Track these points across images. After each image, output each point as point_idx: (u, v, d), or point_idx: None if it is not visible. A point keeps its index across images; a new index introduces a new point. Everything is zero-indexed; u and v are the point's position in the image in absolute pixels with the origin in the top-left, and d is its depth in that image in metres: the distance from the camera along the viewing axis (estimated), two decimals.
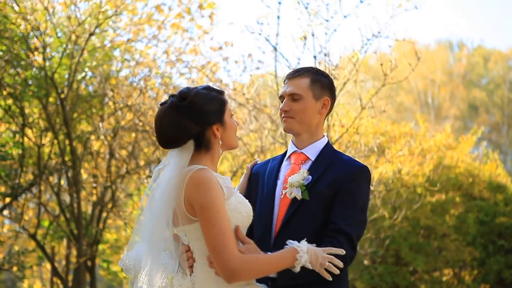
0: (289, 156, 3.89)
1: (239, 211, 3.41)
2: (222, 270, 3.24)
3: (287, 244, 3.41)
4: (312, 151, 3.83)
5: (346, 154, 3.98)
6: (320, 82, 3.84)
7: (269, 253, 3.40)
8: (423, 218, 12.88)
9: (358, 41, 10.60)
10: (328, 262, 3.41)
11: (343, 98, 10.62)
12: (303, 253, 3.35)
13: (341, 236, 3.55)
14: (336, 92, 4.02)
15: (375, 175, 10.89)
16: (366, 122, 10.17)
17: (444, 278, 13.46)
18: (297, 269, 3.37)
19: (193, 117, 3.37)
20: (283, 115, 3.85)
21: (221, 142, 3.45)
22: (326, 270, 3.42)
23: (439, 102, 38.27)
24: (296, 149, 3.87)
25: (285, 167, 3.87)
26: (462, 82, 38.63)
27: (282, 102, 3.87)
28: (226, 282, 3.27)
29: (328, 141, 3.92)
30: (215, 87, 3.59)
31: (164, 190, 3.36)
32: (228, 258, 3.21)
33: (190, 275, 3.39)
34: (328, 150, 3.85)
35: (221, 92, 3.53)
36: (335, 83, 9.38)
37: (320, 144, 3.85)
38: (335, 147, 9.39)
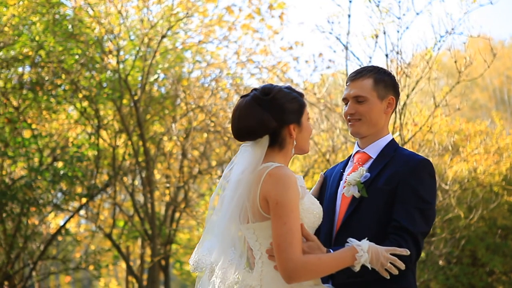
0: (353, 156, 3.86)
1: (311, 211, 3.41)
2: (282, 270, 3.23)
3: (348, 242, 3.37)
4: (374, 149, 3.77)
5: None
6: (383, 82, 3.77)
7: (331, 250, 3.38)
8: (500, 218, 12.56)
9: (431, 38, 10.43)
10: (390, 263, 3.35)
11: (416, 96, 10.44)
12: (363, 252, 3.30)
13: (406, 235, 3.48)
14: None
15: (449, 174, 10.68)
16: (440, 120, 9.98)
17: None
18: (357, 268, 3.32)
19: (273, 113, 3.38)
20: (348, 118, 3.79)
21: (295, 143, 3.43)
22: (386, 269, 3.36)
23: None
24: (359, 148, 3.82)
25: (348, 168, 3.82)
26: None
27: (346, 104, 3.81)
28: (286, 283, 3.25)
29: (393, 138, 3.84)
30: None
31: (236, 188, 3.37)
32: (290, 258, 3.20)
33: (253, 272, 3.38)
34: (390, 147, 3.77)
35: (301, 94, 3.52)
36: (408, 81, 9.26)
37: (383, 141, 3.78)
38: (408, 145, 9.25)
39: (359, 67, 4.01)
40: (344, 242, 3.41)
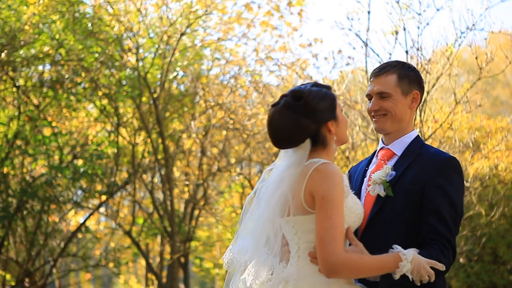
0: (377, 153, 3.82)
1: (354, 211, 3.42)
2: (324, 263, 3.23)
3: (393, 249, 3.33)
4: (399, 146, 3.73)
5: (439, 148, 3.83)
6: (407, 77, 3.73)
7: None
8: None
9: (451, 34, 10.34)
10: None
11: (436, 93, 10.36)
12: (407, 262, 3.27)
13: (446, 243, 3.46)
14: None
15: (470, 171, 10.60)
16: (461, 117, 9.90)
17: None
18: (397, 276, 3.29)
19: (309, 116, 3.37)
20: (373, 114, 3.76)
21: (335, 138, 3.44)
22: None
23: None
24: (384, 145, 3.79)
25: (372, 165, 3.79)
26: None
27: (369, 100, 3.77)
28: (325, 277, 3.26)
29: (418, 135, 3.79)
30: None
31: (278, 186, 3.38)
32: (332, 251, 3.20)
33: (288, 266, 3.38)
34: (416, 144, 3.72)
35: (329, 88, 3.52)
36: (428, 77, 9.19)
37: (408, 138, 3.74)
38: (428, 142, 9.19)
39: (378, 64, 3.99)
40: (369, 241, 3.41)
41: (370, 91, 3.77)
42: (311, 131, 3.38)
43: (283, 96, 3.45)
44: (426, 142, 3.84)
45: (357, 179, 3.80)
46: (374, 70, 3.82)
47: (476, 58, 8.79)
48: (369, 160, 3.86)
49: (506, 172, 11.62)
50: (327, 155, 3.43)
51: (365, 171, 3.79)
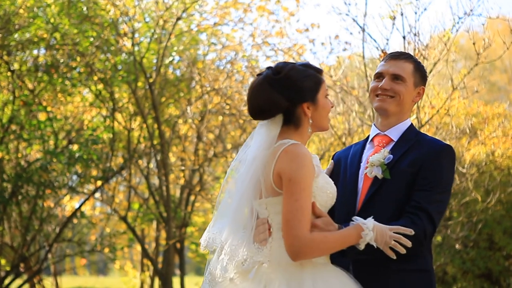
0: (372, 139, 3.87)
1: (325, 190, 3.42)
2: (289, 247, 3.25)
3: (353, 221, 3.39)
4: (396, 132, 3.81)
5: (436, 136, 3.92)
6: (420, 72, 3.85)
7: (343, 227, 3.40)
8: None
9: (449, 20, 10.31)
10: (395, 241, 3.37)
11: (434, 79, 10.33)
12: (369, 231, 3.33)
13: (421, 213, 3.53)
14: (427, 73, 3.97)
15: (467, 157, 10.59)
16: (458, 103, 9.87)
17: None
18: (362, 246, 3.36)
19: (284, 92, 3.37)
20: (379, 93, 3.79)
21: (311, 121, 3.43)
22: (392, 249, 3.39)
23: None
24: (379, 131, 3.85)
25: (368, 150, 3.85)
26: None
27: (377, 79, 3.81)
28: (292, 259, 3.28)
29: (412, 123, 3.89)
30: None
31: (250, 165, 3.39)
32: (297, 235, 3.22)
33: (263, 249, 3.38)
34: (411, 131, 3.81)
35: (319, 71, 3.51)
36: (425, 63, 9.15)
37: (403, 126, 3.82)
38: (425, 128, 9.17)
39: (376, 49, 4.08)
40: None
41: (383, 70, 3.82)
42: (282, 108, 3.38)
43: (267, 68, 3.47)
44: (423, 128, 3.92)
45: (352, 162, 3.83)
46: (391, 53, 3.91)
47: (474, 43, 8.75)
48: (362, 145, 3.90)
49: (502, 158, 11.61)
50: (300, 137, 3.42)
51: (360, 156, 3.83)
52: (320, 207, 3.41)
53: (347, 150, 3.96)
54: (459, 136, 10.47)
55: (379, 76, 3.83)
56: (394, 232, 3.39)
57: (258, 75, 3.48)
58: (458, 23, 8.76)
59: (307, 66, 3.49)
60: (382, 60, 3.89)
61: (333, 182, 3.51)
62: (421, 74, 3.85)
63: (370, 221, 3.36)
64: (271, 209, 3.37)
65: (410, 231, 3.41)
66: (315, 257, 3.34)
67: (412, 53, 8.76)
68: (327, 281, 3.32)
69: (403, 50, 3.97)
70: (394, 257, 3.39)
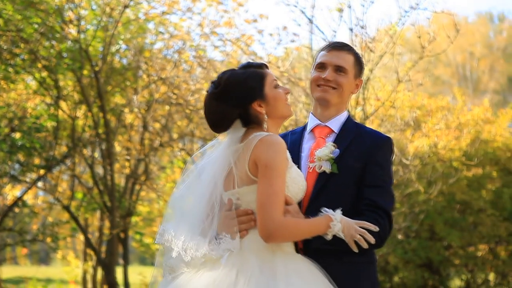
0: (312, 130, 3.88)
1: (297, 182, 3.50)
2: (263, 228, 3.32)
3: (321, 212, 3.46)
4: (336, 123, 3.84)
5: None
6: (360, 64, 3.90)
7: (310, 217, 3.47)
8: (459, 193, 12.72)
9: (395, 13, 10.43)
10: (360, 235, 3.46)
11: (379, 72, 10.46)
12: (337, 222, 3.42)
13: (380, 211, 3.61)
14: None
15: (410, 149, 10.76)
16: (403, 95, 10.02)
17: (479, 254, 13.32)
18: (329, 237, 3.44)
19: (229, 101, 3.45)
20: (321, 83, 3.80)
21: (266, 117, 3.48)
22: (356, 243, 3.48)
23: (478, 75, 37.70)
24: (319, 122, 3.86)
25: (308, 140, 3.86)
26: (503, 55, 37.92)
27: (319, 70, 3.82)
28: (264, 241, 3.35)
29: (350, 114, 3.95)
30: (255, 61, 3.60)
31: (215, 162, 3.48)
32: (272, 218, 3.30)
33: (240, 238, 3.43)
34: (350, 123, 3.86)
35: (260, 66, 3.55)
36: (372, 56, 9.24)
37: (342, 117, 3.86)
38: (370, 120, 9.27)
39: (323, 41, 4.11)
40: (314, 216, 3.48)
41: (327, 61, 3.83)
42: (235, 116, 3.47)
43: (211, 83, 3.54)
44: (368, 120, 3.97)
45: (291, 153, 3.82)
46: (332, 43, 3.94)
47: (419, 37, 8.87)
48: (300, 135, 3.91)
49: (445, 150, 11.84)
50: (267, 131, 3.47)
51: (299, 146, 3.84)
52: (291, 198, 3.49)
53: (284, 138, 3.84)
54: (403, 128, 10.63)
55: (321, 66, 3.84)
56: (360, 227, 3.48)
57: (207, 91, 3.56)
58: (404, 16, 8.88)
59: (246, 66, 3.54)
60: (323, 50, 3.88)
61: (304, 177, 3.58)
62: (360, 67, 3.90)
63: (338, 213, 3.45)
64: (244, 199, 3.44)
65: (375, 227, 3.49)
66: (286, 241, 3.43)
67: (358, 46, 8.87)
68: (298, 268, 3.41)
69: (349, 43, 4.01)
70: (357, 251, 3.47)
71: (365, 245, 3.45)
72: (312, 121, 3.88)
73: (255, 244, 3.39)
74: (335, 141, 3.76)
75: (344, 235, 3.43)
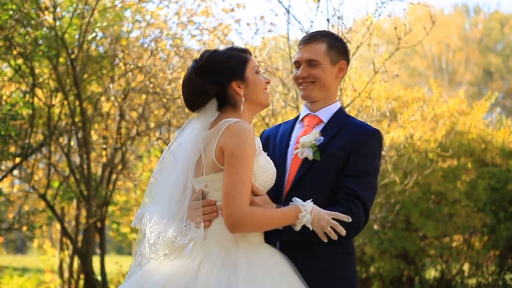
0: (302, 119, 3.90)
1: (266, 170, 3.47)
2: (228, 218, 3.27)
3: (292, 201, 3.43)
4: (325, 114, 3.84)
5: (358, 118, 3.99)
6: (336, 47, 3.84)
7: (281, 206, 3.46)
8: (434, 184, 12.79)
9: (372, 4, 10.46)
10: (330, 227, 3.43)
11: (356, 62, 10.50)
12: (306, 213, 3.37)
13: (357, 200, 3.59)
14: (345, 44, 3.99)
15: (386, 140, 10.81)
16: (379, 86, 10.05)
17: (454, 244, 13.43)
18: (298, 227, 3.40)
19: (209, 77, 3.42)
20: (300, 81, 3.80)
21: (244, 99, 3.45)
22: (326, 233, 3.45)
23: (454, 67, 37.93)
24: (309, 112, 3.87)
25: (297, 130, 3.88)
26: (478, 47, 38.18)
27: (297, 68, 3.81)
28: (229, 232, 3.30)
29: (341, 106, 3.95)
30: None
31: (185, 147, 3.43)
32: (238, 207, 3.24)
33: (204, 228, 3.40)
34: (341, 114, 3.85)
35: (243, 51, 3.55)
36: (348, 46, 9.26)
37: (334, 107, 3.85)
38: (347, 111, 9.30)
39: (300, 31, 4.10)
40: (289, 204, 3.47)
41: (298, 58, 3.83)
42: (212, 93, 3.44)
43: (194, 60, 3.54)
44: (345, 111, 3.95)
45: (281, 141, 3.86)
46: (303, 37, 3.90)
47: (395, 28, 8.91)
48: (292, 124, 3.92)
49: (420, 141, 11.92)
50: (240, 117, 3.44)
51: (289, 135, 3.85)
52: (260, 186, 3.45)
53: (276, 129, 3.98)
54: (379, 119, 10.67)
55: (297, 64, 3.85)
56: (332, 218, 3.44)
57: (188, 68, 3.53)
58: (380, 7, 8.90)
59: (230, 48, 3.54)
60: (298, 47, 3.89)
61: (273, 164, 3.54)
62: (337, 50, 3.84)
63: (309, 204, 3.41)
64: (211, 186, 3.40)
65: (348, 218, 3.47)
66: (252, 232, 3.37)
67: None
68: (262, 260, 3.36)
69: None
70: (326, 241, 3.44)
71: (334, 236, 3.43)
72: (303, 111, 3.91)
73: (220, 234, 3.36)
74: (322, 130, 3.76)
75: (314, 226, 3.39)
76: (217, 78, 3.40)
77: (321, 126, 3.80)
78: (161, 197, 3.47)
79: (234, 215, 3.25)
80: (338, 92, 4.05)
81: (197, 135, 3.43)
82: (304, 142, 3.71)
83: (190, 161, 3.42)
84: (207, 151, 3.38)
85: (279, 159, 3.79)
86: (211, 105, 3.45)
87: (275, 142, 3.89)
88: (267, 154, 3.80)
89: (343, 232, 3.41)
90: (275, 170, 3.54)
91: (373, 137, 3.74)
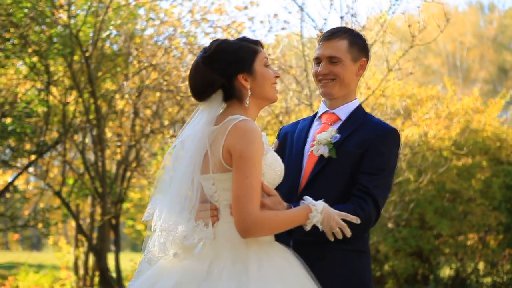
0: (320, 116, 3.86)
1: (273, 168, 3.40)
2: (239, 223, 3.22)
3: (303, 201, 3.39)
4: (344, 111, 3.80)
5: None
6: (357, 44, 3.79)
7: (292, 206, 3.39)
8: (449, 182, 12.74)
9: (385, 2, 10.43)
10: (338, 228, 3.38)
11: (370, 60, 10.49)
12: (317, 213, 3.32)
13: (368, 198, 3.55)
14: (366, 41, 3.94)
15: (401, 138, 10.79)
16: (393, 84, 10.03)
17: (469, 243, 13.36)
18: (308, 227, 3.35)
19: (216, 67, 3.33)
20: (320, 78, 3.77)
21: (250, 93, 3.38)
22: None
23: (468, 65, 37.73)
24: (328, 109, 3.83)
25: (315, 127, 3.84)
26: (492, 45, 37.95)
27: (317, 64, 3.78)
28: (241, 237, 3.25)
29: (360, 103, 3.88)
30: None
31: (191, 143, 3.35)
32: (248, 212, 3.19)
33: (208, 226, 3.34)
34: (359, 111, 3.81)
35: (254, 42, 3.45)
36: None
37: (352, 105, 3.81)
38: None
39: (313, 29, 4.05)
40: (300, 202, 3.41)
41: (319, 55, 3.78)
42: (218, 84, 3.35)
43: (203, 49, 3.44)
44: (363, 108, 3.91)
45: (299, 138, 3.82)
46: (324, 34, 3.84)
47: (409, 26, 8.87)
48: (310, 121, 3.89)
49: (435, 139, 11.87)
50: (246, 111, 3.38)
51: (307, 132, 3.82)
52: (268, 184, 3.38)
53: (295, 125, 3.93)
54: (393, 117, 10.64)
55: (317, 60, 3.80)
56: (341, 219, 3.39)
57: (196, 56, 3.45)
58: (394, 5, 8.88)
59: (241, 39, 3.44)
60: (318, 43, 3.84)
61: (281, 160, 3.48)
62: (358, 47, 3.79)
63: (320, 204, 3.35)
64: (219, 185, 3.34)
65: (356, 220, 3.41)
66: (264, 235, 3.32)
67: None
68: (272, 259, 3.31)
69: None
70: (332, 240, 3.41)
71: (340, 237, 3.40)
72: (321, 108, 3.87)
73: (229, 234, 3.30)
74: (340, 128, 3.72)
75: (323, 226, 3.34)
76: (224, 69, 3.32)
77: (338, 123, 3.76)
78: (169, 191, 3.41)
79: (245, 221, 3.20)
80: (356, 90, 4.00)
81: (202, 129, 3.35)
82: (320, 140, 3.67)
83: (197, 157, 3.34)
84: (213, 150, 3.31)
85: (296, 156, 3.77)
86: (217, 97, 3.37)
87: (293, 139, 3.84)
88: (284, 150, 3.82)
89: (348, 234, 3.38)
90: (283, 167, 3.48)
91: (391, 135, 3.70)
